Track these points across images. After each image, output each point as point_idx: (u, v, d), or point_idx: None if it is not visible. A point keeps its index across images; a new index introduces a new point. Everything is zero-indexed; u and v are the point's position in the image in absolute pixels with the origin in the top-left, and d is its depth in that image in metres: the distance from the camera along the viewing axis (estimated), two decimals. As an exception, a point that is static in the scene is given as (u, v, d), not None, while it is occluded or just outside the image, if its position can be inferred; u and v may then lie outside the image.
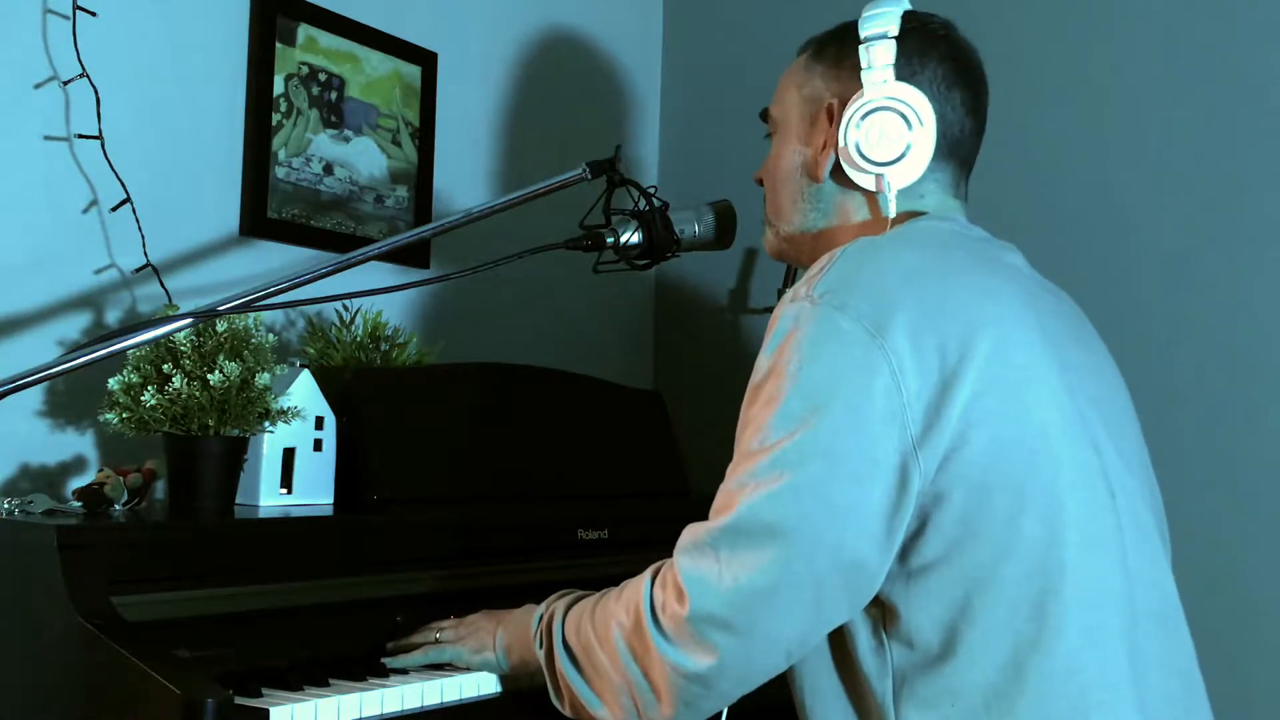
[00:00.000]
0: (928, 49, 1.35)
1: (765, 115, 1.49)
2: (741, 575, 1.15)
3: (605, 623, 1.26)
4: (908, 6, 1.37)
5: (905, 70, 1.33)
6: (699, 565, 1.18)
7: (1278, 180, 2.05)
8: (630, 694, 1.23)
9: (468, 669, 1.44)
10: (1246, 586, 2.03)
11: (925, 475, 1.14)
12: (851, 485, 1.14)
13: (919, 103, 1.31)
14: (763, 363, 1.21)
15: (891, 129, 1.31)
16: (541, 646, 1.34)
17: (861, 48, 1.34)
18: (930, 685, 1.16)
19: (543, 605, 1.39)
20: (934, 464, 1.14)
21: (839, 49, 1.39)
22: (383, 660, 1.45)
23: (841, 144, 1.34)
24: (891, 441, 1.14)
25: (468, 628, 1.46)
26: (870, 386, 1.14)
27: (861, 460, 1.14)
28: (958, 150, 1.37)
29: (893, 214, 1.33)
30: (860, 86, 1.33)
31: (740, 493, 1.17)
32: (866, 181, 1.34)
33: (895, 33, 1.33)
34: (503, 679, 1.44)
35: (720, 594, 1.16)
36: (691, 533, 1.21)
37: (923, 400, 1.14)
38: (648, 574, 1.25)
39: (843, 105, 1.35)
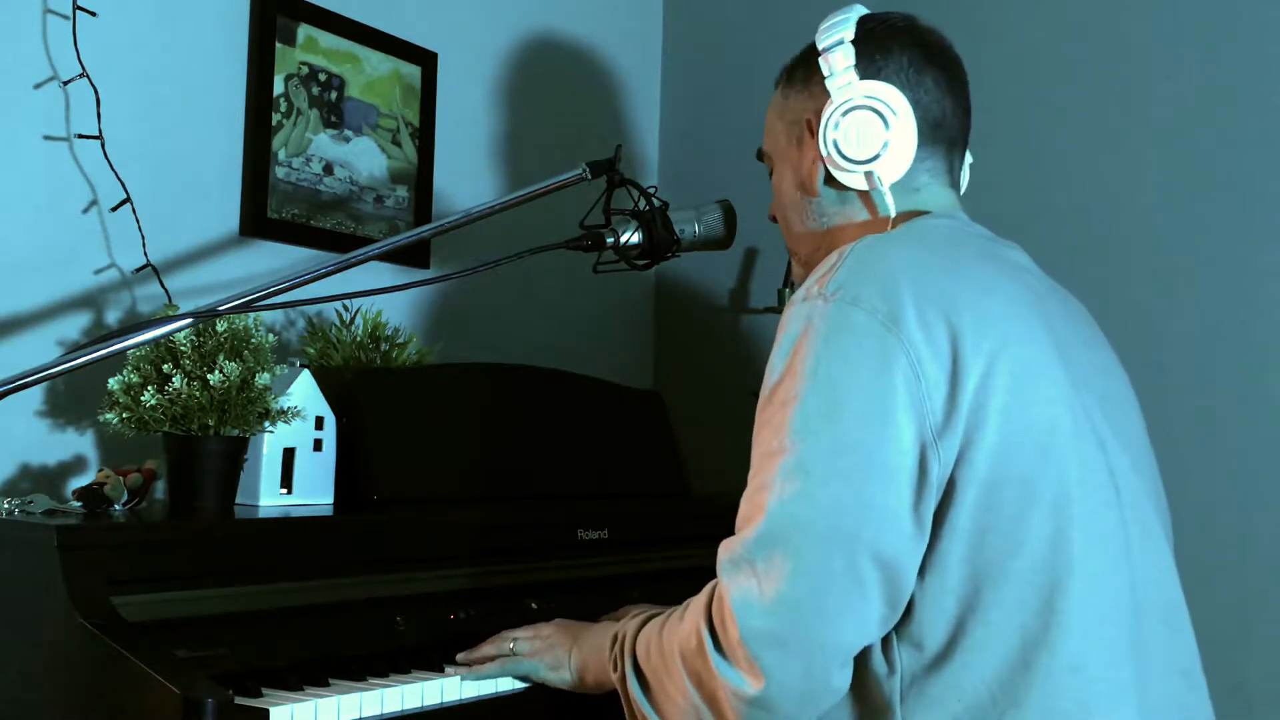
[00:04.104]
0: (888, 43, 1.36)
1: (761, 155, 1.50)
2: (782, 584, 1.13)
3: (671, 647, 1.25)
4: (863, 12, 1.39)
5: (870, 69, 1.35)
6: (739, 582, 1.16)
7: (1278, 178, 2.05)
8: (698, 719, 1.22)
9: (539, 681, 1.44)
10: (1246, 585, 2.03)
11: (945, 466, 1.14)
12: (882, 479, 1.13)
13: (889, 94, 1.33)
14: (777, 364, 1.21)
15: (867, 126, 1.32)
16: (615, 671, 1.33)
17: (820, 59, 1.37)
18: (937, 683, 1.16)
19: (618, 625, 1.38)
20: (952, 455, 1.14)
21: (805, 68, 1.42)
22: (458, 673, 1.44)
23: (824, 152, 1.35)
24: (912, 431, 1.14)
25: (543, 642, 1.45)
26: (890, 377, 1.14)
27: (888, 453, 1.13)
28: (942, 132, 1.38)
29: (891, 210, 1.33)
30: (830, 96, 1.35)
31: (765, 494, 1.16)
32: (857, 182, 1.35)
33: (851, 37, 1.35)
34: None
35: (764, 608, 1.14)
36: (727, 548, 1.19)
37: (942, 391, 1.14)
38: (705, 594, 1.23)
39: (819, 117, 1.36)
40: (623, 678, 1.31)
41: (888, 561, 1.13)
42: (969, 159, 1.48)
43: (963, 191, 1.46)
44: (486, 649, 1.47)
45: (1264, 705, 2.00)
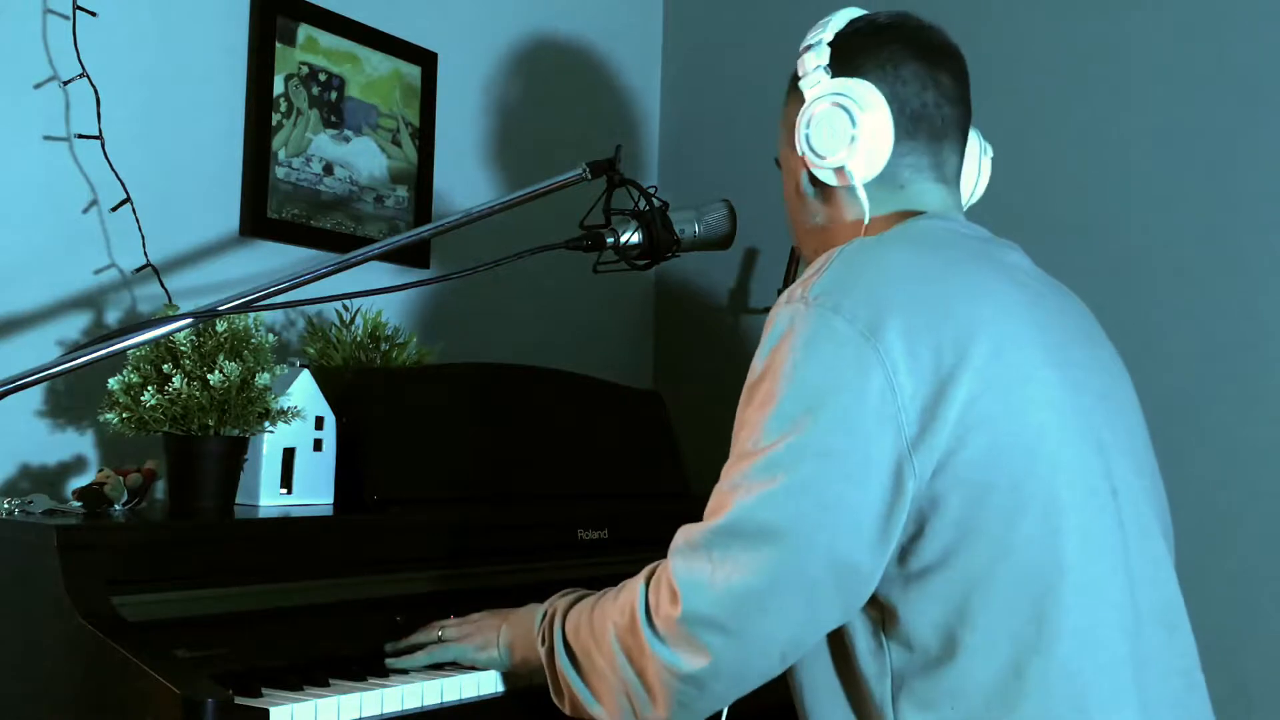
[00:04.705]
0: (868, 39, 1.36)
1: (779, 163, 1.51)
2: (734, 576, 1.15)
3: (602, 623, 1.26)
4: (855, 14, 1.39)
5: (847, 67, 1.35)
6: (692, 566, 1.18)
7: (1278, 177, 2.06)
8: (626, 694, 1.23)
9: (471, 667, 1.44)
10: (1246, 585, 2.03)
11: (920, 478, 1.14)
12: (846, 486, 1.14)
13: (857, 89, 1.32)
14: (758, 364, 1.22)
15: (834, 122, 1.32)
16: (543, 645, 1.35)
17: (798, 61, 1.37)
18: (930, 686, 1.16)
19: (546, 604, 1.39)
20: (930, 467, 1.14)
21: (794, 76, 1.42)
22: (386, 661, 1.45)
23: (800, 151, 1.36)
24: (886, 443, 1.14)
25: (472, 625, 1.46)
26: (864, 388, 1.14)
27: (855, 462, 1.14)
28: (924, 126, 1.35)
29: (866, 207, 1.33)
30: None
31: (734, 494, 1.17)
32: (832, 178, 1.35)
33: (830, 39, 1.36)
34: (506, 676, 1.44)
35: (713, 595, 1.16)
36: (685, 534, 1.21)
37: (918, 402, 1.14)
38: (643, 575, 1.25)
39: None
40: (550, 650, 1.33)
41: (843, 567, 1.15)
42: (988, 151, 1.47)
43: (975, 186, 1.46)
44: (415, 638, 1.48)
45: (1264, 705, 2.00)
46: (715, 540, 1.17)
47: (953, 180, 1.39)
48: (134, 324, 1.78)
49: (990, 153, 1.48)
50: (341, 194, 2.18)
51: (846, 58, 1.35)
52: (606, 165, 1.56)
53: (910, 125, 1.34)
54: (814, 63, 1.36)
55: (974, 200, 1.48)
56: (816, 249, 1.42)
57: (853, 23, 1.38)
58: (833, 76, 1.34)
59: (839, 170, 1.33)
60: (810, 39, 1.38)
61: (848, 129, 1.31)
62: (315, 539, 1.53)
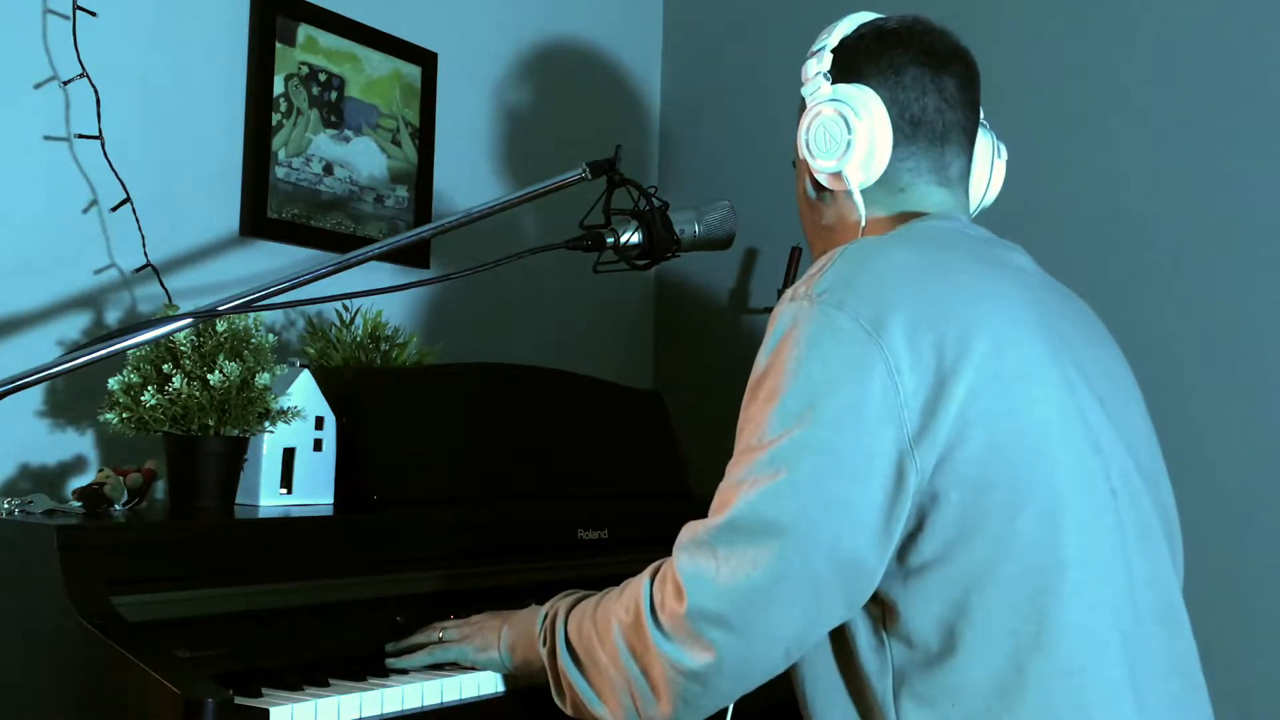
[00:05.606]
0: (873, 45, 1.37)
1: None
2: (739, 572, 1.15)
3: (606, 621, 1.27)
4: (864, 19, 1.40)
5: (849, 74, 1.37)
6: (697, 562, 1.18)
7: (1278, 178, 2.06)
8: (630, 692, 1.23)
9: (471, 668, 1.44)
10: (1246, 585, 2.03)
11: (922, 474, 1.15)
12: (848, 482, 1.14)
13: (854, 95, 1.34)
14: (761, 360, 1.22)
15: (831, 128, 1.34)
16: (545, 645, 1.35)
17: (803, 68, 1.39)
18: (930, 683, 1.17)
19: (547, 605, 1.40)
20: (931, 462, 1.15)
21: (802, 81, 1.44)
22: (386, 661, 1.45)
23: (802, 156, 1.38)
24: (888, 439, 1.14)
25: (472, 627, 1.46)
26: (867, 384, 1.15)
27: (858, 457, 1.14)
28: (926, 130, 1.36)
29: (862, 211, 1.35)
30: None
31: (738, 489, 1.18)
32: (833, 183, 1.36)
33: (834, 45, 1.38)
34: (506, 677, 1.44)
35: (718, 591, 1.16)
36: (690, 530, 1.22)
37: (919, 399, 1.14)
38: (647, 572, 1.26)
39: None
40: (552, 651, 1.33)
41: (846, 563, 1.15)
42: (1001, 154, 1.47)
43: (987, 188, 1.46)
44: (415, 638, 1.48)
45: (1264, 705, 2.00)
46: (720, 536, 1.17)
47: (957, 183, 1.40)
48: (134, 324, 1.77)
49: (1004, 155, 1.48)
50: (341, 194, 2.18)
51: (849, 63, 1.37)
52: (606, 165, 1.57)
53: (910, 129, 1.36)
54: (815, 69, 1.38)
55: (987, 202, 1.49)
56: (823, 249, 1.42)
57: (860, 28, 1.39)
58: (834, 82, 1.36)
59: (836, 175, 1.35)
60: (815, 45, 1.40)
61: (843, 135, 1.33)
62: (315, 539, 1.53)
